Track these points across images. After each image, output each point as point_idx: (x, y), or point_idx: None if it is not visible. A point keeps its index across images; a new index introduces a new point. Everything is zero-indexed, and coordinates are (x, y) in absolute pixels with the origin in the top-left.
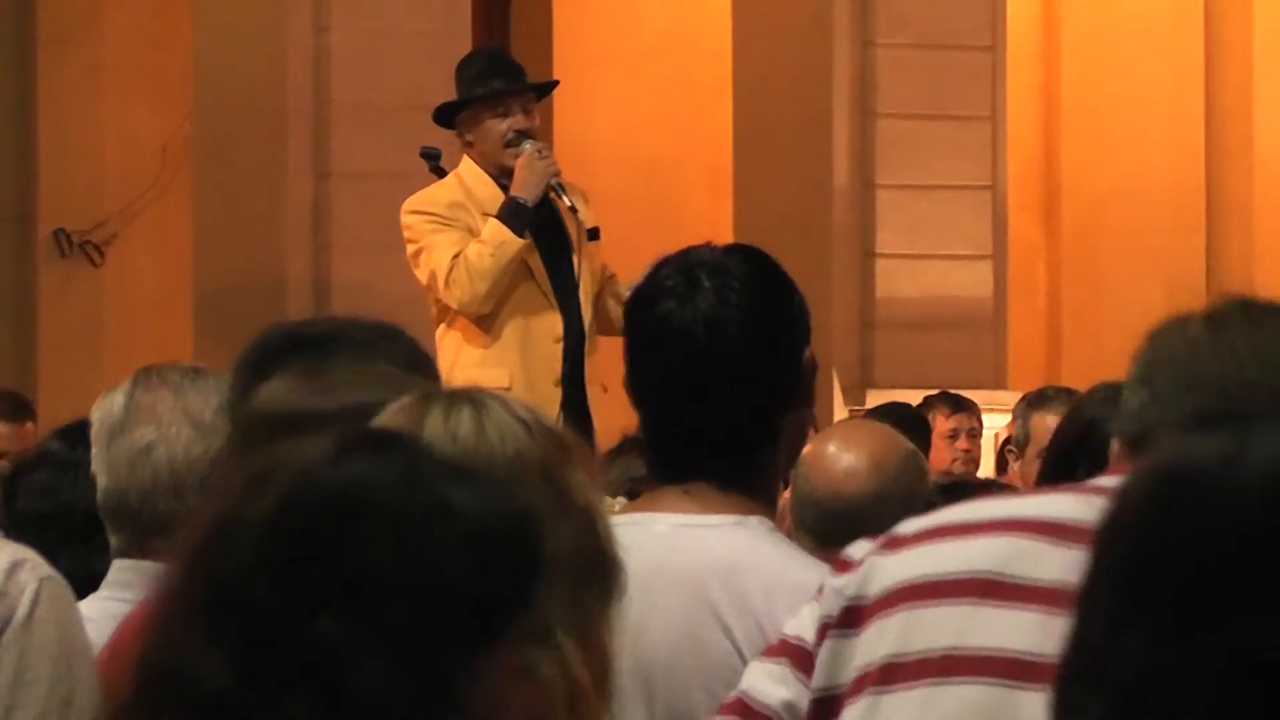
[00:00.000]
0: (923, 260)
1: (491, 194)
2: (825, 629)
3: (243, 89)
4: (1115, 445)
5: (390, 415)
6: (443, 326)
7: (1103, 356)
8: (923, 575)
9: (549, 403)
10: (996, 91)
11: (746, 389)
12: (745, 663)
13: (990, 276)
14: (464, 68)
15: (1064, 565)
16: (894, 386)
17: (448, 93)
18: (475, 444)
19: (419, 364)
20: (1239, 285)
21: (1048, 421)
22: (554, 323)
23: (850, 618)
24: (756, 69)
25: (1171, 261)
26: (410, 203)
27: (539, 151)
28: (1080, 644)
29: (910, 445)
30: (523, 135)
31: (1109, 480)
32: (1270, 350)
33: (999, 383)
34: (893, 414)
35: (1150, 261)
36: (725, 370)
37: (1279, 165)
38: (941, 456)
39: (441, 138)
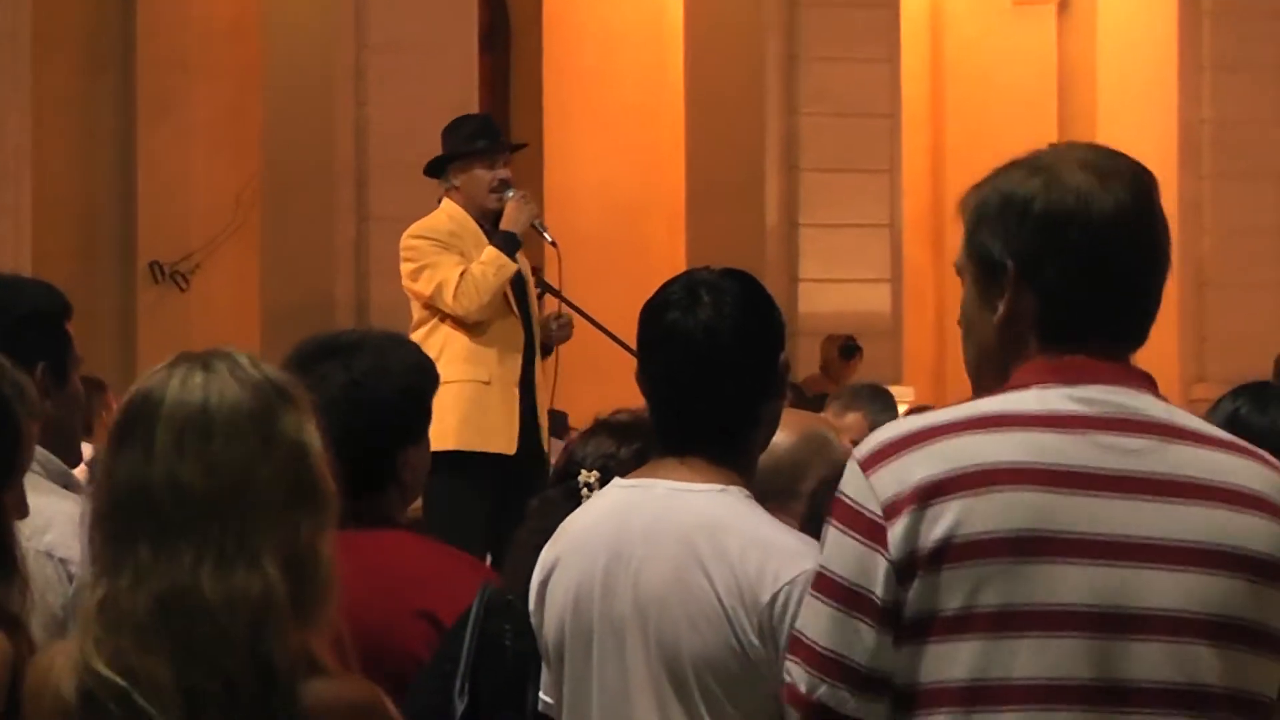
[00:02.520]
0: (836, 284)
1: (474, 227)
2: (910, 566)
3: (300, 149)
4: None
5: (148, 377)
6: (427, 328)
7: None
8: (992, 529)
9: (512, 398)
10: (894, 149)
11: (735, 383)
12: (722, 603)
13: (889, 296)
14: (454, 128)
15: (1112, 517)
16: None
17: None
18: (202, 404)
19: (423, 364)
20: None
21: (845, 420)
22: (519, 337)
23: (935, 559)
24: (706, 132)
25: None
26: (413, 229)
27: (524, 197)
28: None
29: (825, 425)
30: (505, 184)
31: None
32: None
33: (896, 380)
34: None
35: None
36: (718, 368)
37: None
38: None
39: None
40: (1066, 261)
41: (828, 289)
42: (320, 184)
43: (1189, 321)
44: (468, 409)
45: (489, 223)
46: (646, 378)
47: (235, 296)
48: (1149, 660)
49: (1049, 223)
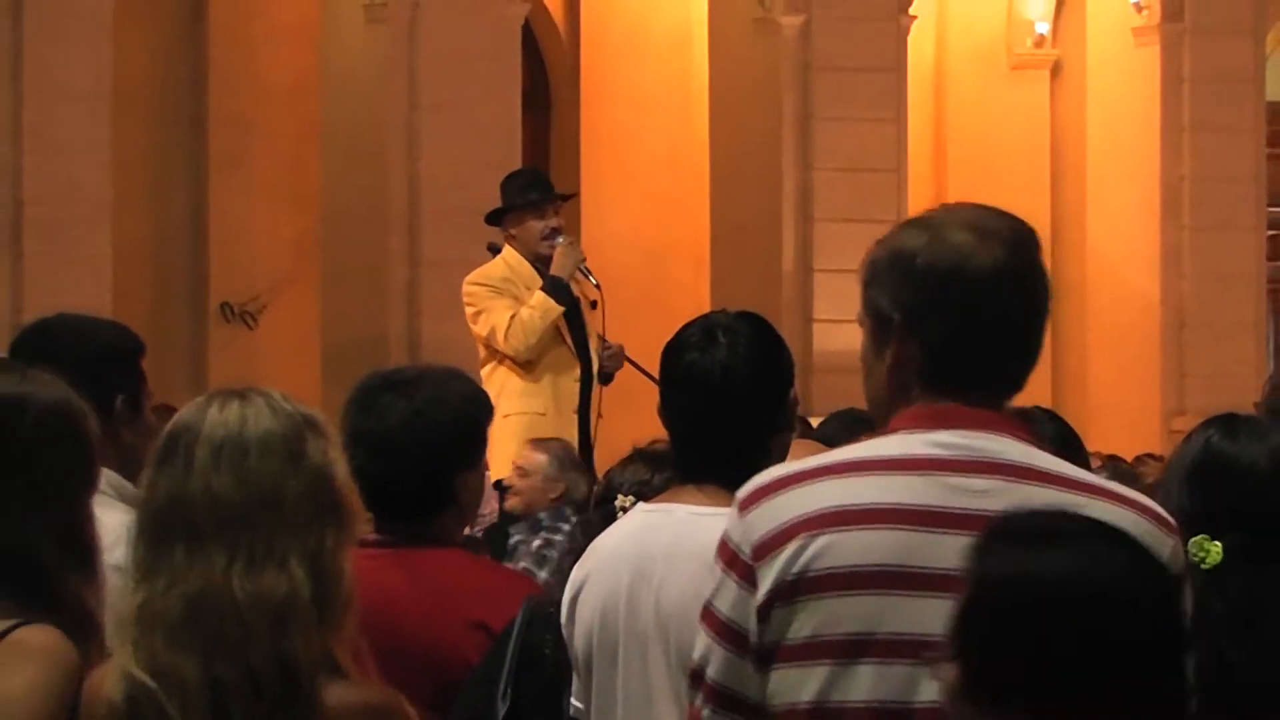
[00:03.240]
0: (848, 324)
1: (529, 272)
2: (774, 599)
3: (357, 199)
4: None
5: (188, 407)
6: (490, 366)
7: None
8: (847, 564)
9: (570, 425)
10: (900, 201)
11: (748, 417)
12: None
13: None
14: (509, 181)
15: (955, 553)
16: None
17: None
18: (239, 426)
19: (477, 395)
20: (1075, 343)
21: None
22: (574, 369)
23: (791, 590)
24: (728, 183)
25: None
26: (472, 276)
27: (571, 244)
28: None
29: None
30: (555, 232)
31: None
32: None
33: None
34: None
35: None
36: (733, 403)
37: (1104, 253)
38: None
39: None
40: (946, 315)
41: (840, 329)
42: (375, 232)
43: (1170, 359)
44: (524, 438)
45: (544, 264)
46: (668, 412)
47: (298, 335)
48: None
49: (931, 279)
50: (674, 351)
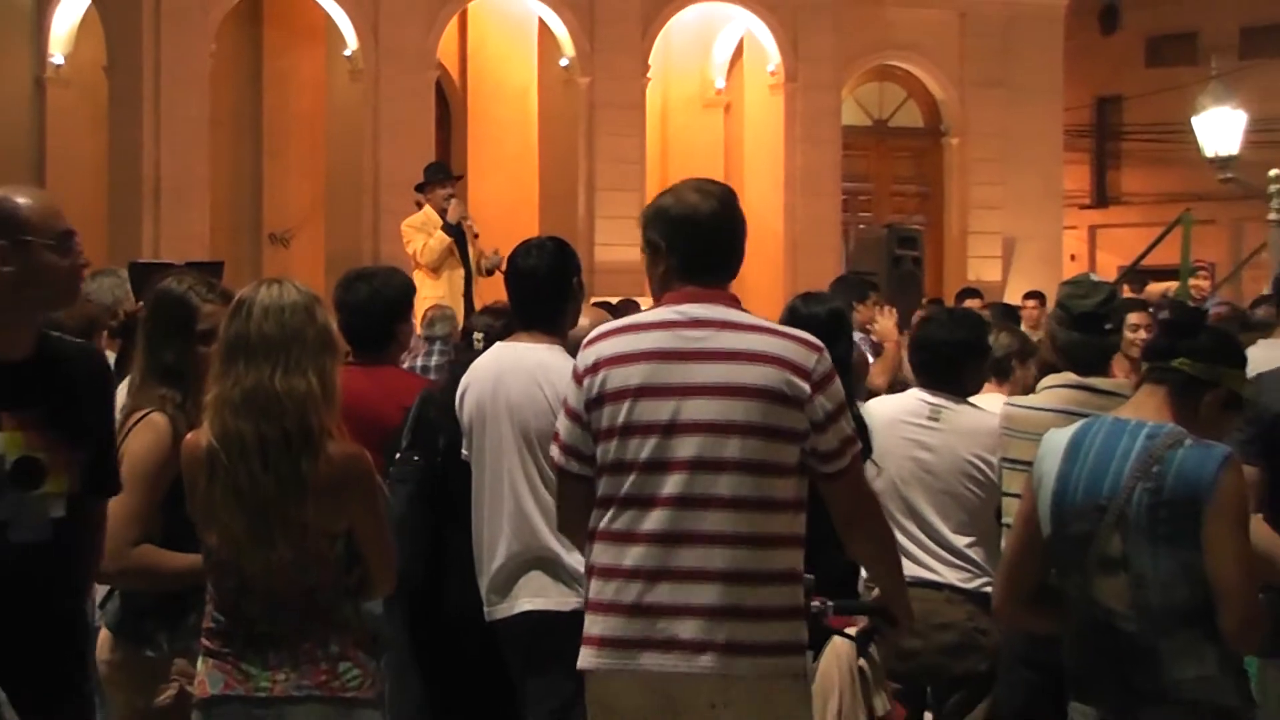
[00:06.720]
0: (616, 246)
1: (436, 220)
2: (589, 405)
3: (345, 171)
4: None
5: (246, 289)
6: (416, 270)
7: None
8: (617, 386)
9: (459, 303)
10: (642, 180)
11: (552, 293)
12: (550, 404)
13: (638, 253)
14: (428, 168)
15: (679, 375)
16: (606, 295)
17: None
18: (278, 299)
19: (407, 281)
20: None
21: None
22: (460, 272)
23: (597, 402)
24: (550, 171)
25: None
26: (406, 221)
27: (458, 204)
28: None
29: (603, 315)
30: (451, 196)
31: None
32: None
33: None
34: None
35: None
36: (543, 285)
37: (756, 211)
38: None
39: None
40: (685, 241)
41: (611, 249)
42: (355, 190)
43: (789, 268)
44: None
45: (444, 215)
46: (510, 290)
47: (312, 251)
48: (690, 446)
49: (677, 219)
50: (513, 257)
